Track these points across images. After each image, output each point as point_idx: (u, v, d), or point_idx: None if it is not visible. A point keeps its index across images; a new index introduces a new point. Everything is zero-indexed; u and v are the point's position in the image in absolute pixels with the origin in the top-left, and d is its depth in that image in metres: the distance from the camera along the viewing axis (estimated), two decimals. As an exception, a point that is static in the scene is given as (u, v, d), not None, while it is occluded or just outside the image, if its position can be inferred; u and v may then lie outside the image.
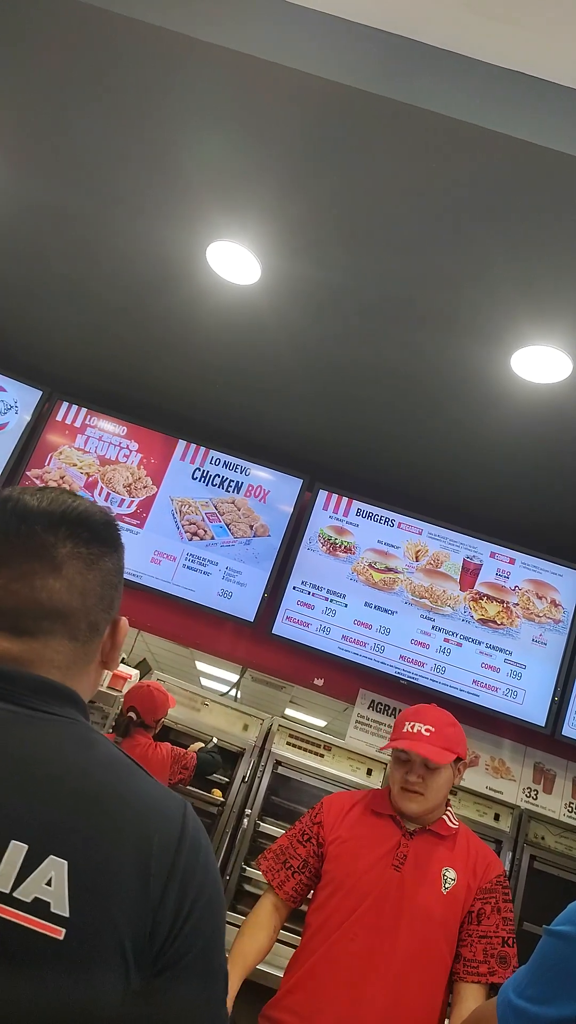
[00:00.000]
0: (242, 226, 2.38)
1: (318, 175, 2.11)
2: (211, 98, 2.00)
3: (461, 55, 1.90)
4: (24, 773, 0.68)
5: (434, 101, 1.85)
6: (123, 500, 3.44)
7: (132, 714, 3.28)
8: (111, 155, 2.31)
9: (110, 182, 2.42)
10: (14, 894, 0.62)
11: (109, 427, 3.56)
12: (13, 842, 0.63)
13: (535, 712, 3.17)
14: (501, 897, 1.73)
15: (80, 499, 0.85)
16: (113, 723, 3.48)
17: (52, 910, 0.62)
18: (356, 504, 3.46)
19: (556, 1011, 0.73)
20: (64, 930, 0.62)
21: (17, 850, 0.63)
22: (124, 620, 0.87)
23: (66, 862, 0.64)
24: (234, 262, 2.53)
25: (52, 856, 0.63)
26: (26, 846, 0.63)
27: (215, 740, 3.57)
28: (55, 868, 0.63)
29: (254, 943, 1.76)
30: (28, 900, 0.62)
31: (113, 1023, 0.65)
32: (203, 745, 3.58)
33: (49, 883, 0.63)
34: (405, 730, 1.78)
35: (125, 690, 3.58)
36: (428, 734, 1.74)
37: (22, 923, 0.62)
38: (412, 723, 1.78)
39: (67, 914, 0.62)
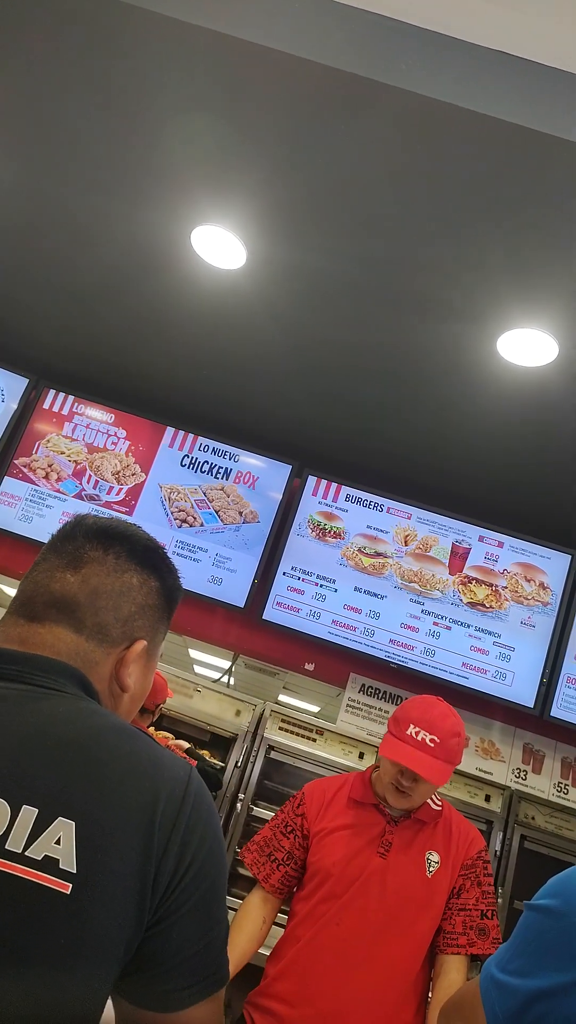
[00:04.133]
0: (227, 210, 2.36)
1: (304, 158, 2.09)
2: (195, 80, 1.98)
3: (447, 36, 1.88)
4: (36, 743, 0.72)
5: (420, 83, 1.84)
6: (111, 488, 3.43)
7: None
8: (94, 139, 2.28)
9: (93, 166, 2.39)
10: (26, 853, 0.67)
11: (97, 414, 3.54)
12: (25, 807, 0.68)
13: (524, 694, 3.19)
14: (482, 871, 1.76)
15: (137, 528, 0.93)
16: None
17: (61, 867, 0.67)
18: (345, 489, 3.46)
19: (537, 983, 0.74)
20: (71, 885, 0.66)
21: (28, 814, 0.68)
22: (142, 643, 0.88)
23: (73, 823, 0.68)
24: (219, 246, 2.51)
25: (61, 818, 0.68)
26: (36, 810, 0.68)
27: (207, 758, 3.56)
28: (63, 829, 0.68)
29: (244, 933, 1.77)
30: (39, 858, 0.66)
31: (117, 972, 0.70)
32: (190, 746, 3.58)
33: (58, 842, 0.67)
34: (409, 733, 1.69)
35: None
36: (432, 745, 1.66)
37: (33, 879, 0.66)
38: (418, 729, 1.68)
39: (74, 870, 0.67)
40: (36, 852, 0.67)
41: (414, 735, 1.67)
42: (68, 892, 0.66)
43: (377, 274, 2.44)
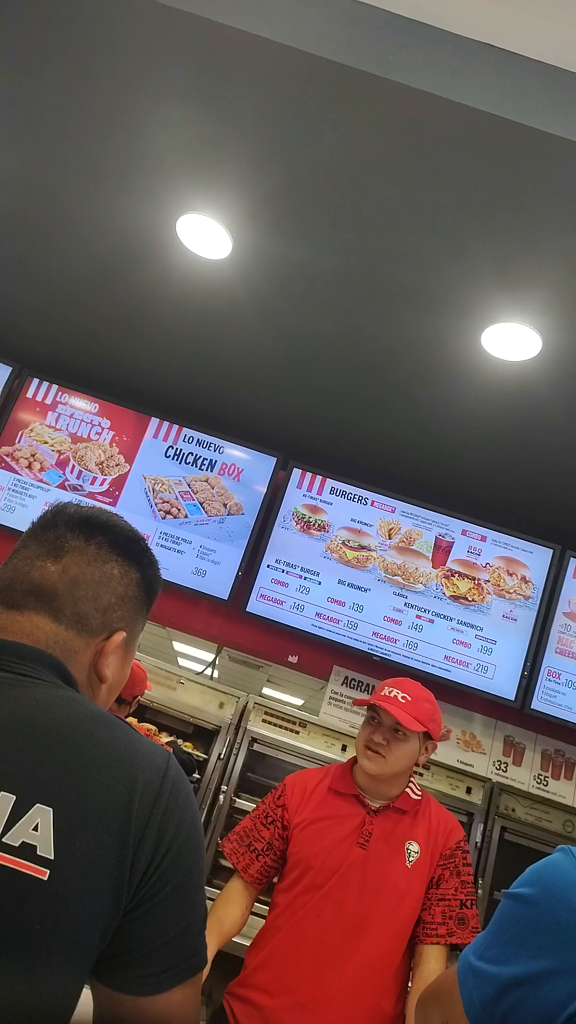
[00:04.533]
0: (213, 199, 2.35)
1: (290, 148, 2.08)
2: (180, 67, 1.96)
3: (436, 27, 1.87)
4: (13, 730, 0.72)
5: (407, 74, 1.83)
6: (95, 478, 3.41)
7: None
8: (78, 125, 2.25)
9: (76, 153, 2.36)
10: (3, 839, 0.67)
11: (81, 404, 3.51)
12: (2, 793, 0.68)
13: (505, 687, 3.22)
14: (460, 861, 1.77)
15: (119, 518, 0.93)
16: None
17: (38, 853, 0.67)
18: (330, 482, 3.46)
19: (513, 970, 0.75)
20: (48, 871, 0.67)
21: (6, 800, 0.68)
22: (121, 634, 0.88)
23: (51, 809, 0.68)
24: (205, 236, 2.50)
25: (38, 804, 0.68)
26: (14, 796, 0.68)
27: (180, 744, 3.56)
28: (41, 815, 0.68)
29: (228, 914, 1.78)
30: (16, 844, 0.67)
31: (96, 956, 0.70)
32: (174, 739, 3.58)
33: (36, 828, 0.67)
34: (383, 693, 1.79)
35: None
36: (403, 701, 1.76)
37: (10, 865, 0.66)
38: (391, 689, 1.80)
39: (52, 856, 0.67)
40: (13, 838, 0.67)
41: (387, 693, 1.79)
42: (45, 878, 0.67)
43: (362, 266, 2.44)
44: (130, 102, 2.11)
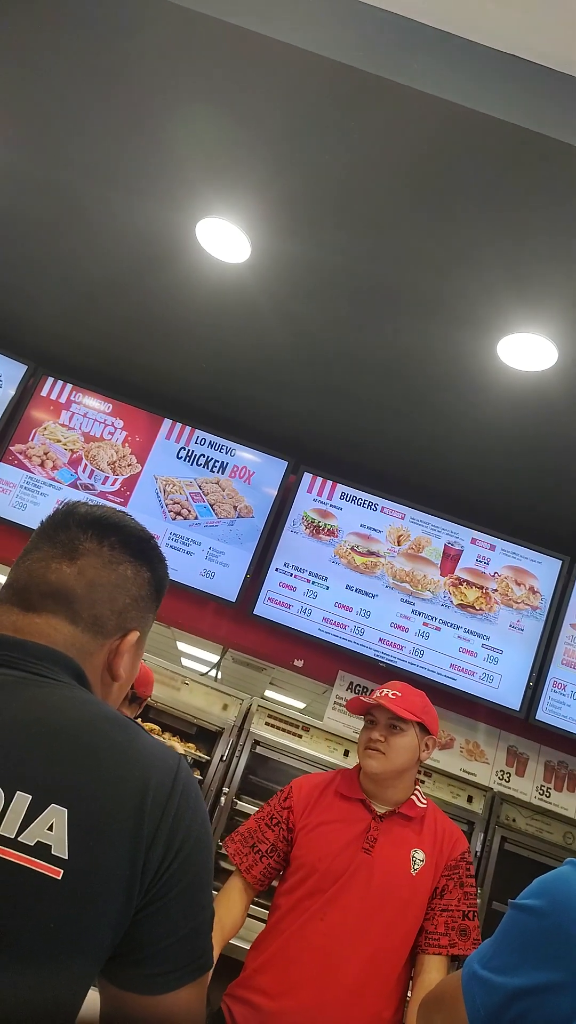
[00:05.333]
0: (232, 203, 2.36)
1: (309, 153, 2.09)
2: (201, 71, 1.97)
3: (455, 35, 1.88)
4: (30, 731, 0.73)
5: (427, 81, 1.84)
6: (107, 478, 3.43)
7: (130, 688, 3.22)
8: (98, 128, 2.27)
9: (98, 156, 2.38)
10: (19, 839, 0.68)
11: (94, 404, 3.53)
12: (19, 793, 0.69)
13: (510, 697, 3.21)
14: (464, 873, 1.77)
15: (129, 517, 0.93)
16: None
17: (53, 853, 0.68)
18: (340, 488, 3.47)
19: (519, 981, 0.75)
20: (62, 871, 0.67)
21: (22, 800, 0.69)
22: (135, 633, 0.89)
23: (66, 810, 0.69)
24: (224, 240, 2.51)
25: (53, 805, 0.69)
26: (30, 796, 0.69)
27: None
28: (56, 815, 0.69)
29: (229, 914, 1.78)
30: (32, 844, 0.67)
31: (105, 956, 0.71)
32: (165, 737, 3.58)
33: (51, 828, 0.68)
34: (374, 696, 1.83)
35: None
36: (394, 697, 1.80)
37: (25, 864, 0.67)
38: (380, 690, 1.84)
39: (66, 856, 0.68)
40: (29, 838, 0.67)
41: (378, 695, 1.83)
42: (59, 878, 0.67)
43: (380, 273, 2.45)
44: (151, 106, 2.12)
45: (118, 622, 0.88)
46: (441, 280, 2.38)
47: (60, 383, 3.55)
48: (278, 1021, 1.64)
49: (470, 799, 3.19)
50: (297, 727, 3.43)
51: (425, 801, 1.85)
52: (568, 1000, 0.71)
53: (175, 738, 3.56)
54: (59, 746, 0.73)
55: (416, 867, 1.74)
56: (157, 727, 3.54)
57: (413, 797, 1.83)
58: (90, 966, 0.71)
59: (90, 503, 0.93)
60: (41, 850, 0.67)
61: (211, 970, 0.78)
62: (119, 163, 2.38)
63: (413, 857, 1.75)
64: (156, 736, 3.38)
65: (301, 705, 6.64)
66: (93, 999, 0.75)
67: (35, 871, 0.67)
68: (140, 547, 0.91)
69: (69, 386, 3.54)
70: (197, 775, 3.63)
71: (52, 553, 0.87)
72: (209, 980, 0.79)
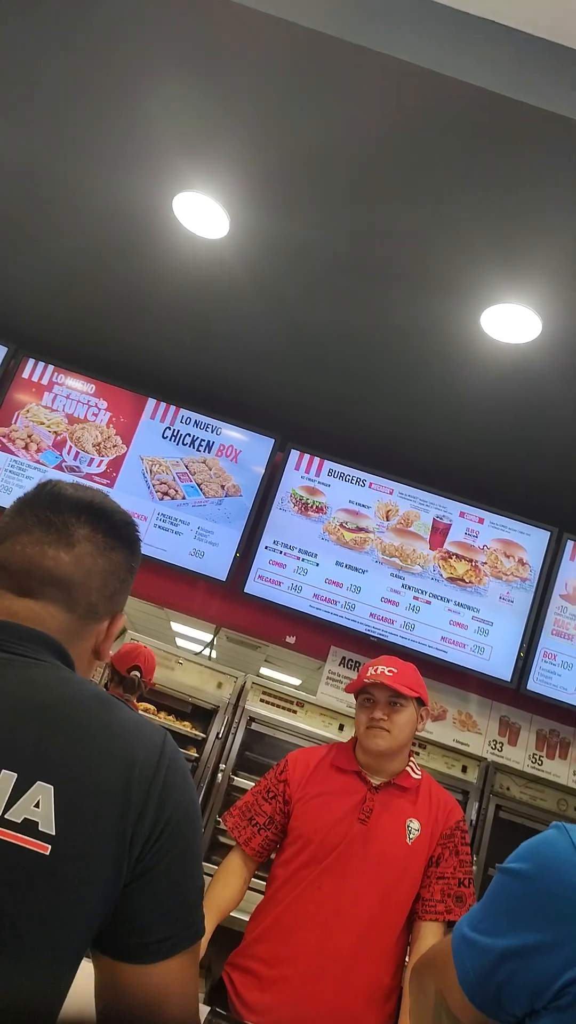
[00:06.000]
0: (210, 176, 2.32)
1: (288, 126, 2.06)
2: (177, 41, 1.93)
3: (435, 2, 1.85)
4: (15, 710, 0.74)
5: (406, 49, 1.81)
6: (92, 459, 3.41)
7: (136, 673, 3.20)
8: (73, 101, 2.22)
9: (72, 129, 2.33)
10: (6, 816, 0.68)
11: (77, 385, 3.50)
12: (4, 771, 0.70)
13: (501, 667, 3.24)
14: (459, 841, 1.80)
15: (108, 498, 0.94)
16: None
17: (40, 829, 0.68)
18: (328, 464, 3.46)
19: (507, 942, 0.77)
20: (50, 847, 0.68)
21: (7, 778, 0.69)
22: (122, 617, 0.92)
23: (52, 787, 0.70)
24: (202, 214, 2.47)
25: (40, 782, 0.70)
26: (15, 774, 0.70)
27: None
28: (42, 792, 0.70)
29: (227, 889, 1.80)
30: (19, 821, 0.68)
31: (97, 928, 0.72)
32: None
33: (37, 805, 0.69)
34: (369, 673, 1.83)
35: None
36: (391, 674, 1.81)
37: (13, 841, 0.68)
38: (376, 667, 1.84)
39: (53, 832, 0.69)
40: (16, 815, 0.68)
41: (375, 672, 1.83)
42: (47, 853, 0.68)
43: (361, 246, 2.42)
44: (125, 77, 2.07)
45: (108, 607, 0.89)
46: (424, 252, 2.35)
47: (42, 365, 3.51)
48: (277, 988, 1.67)
49: (464, 769, 3.23)
50: (291, 703, 3.45)
51: (419, 772, 1.88)
52: (554, 959, 0.72)
53: (170, 717, 3.58)
54: (45, 724, 0.74)
55: (412, 836, 1.76)
56: (152, 707, 3.56)
57: (408, 768, 1.85)
58: (81, 939, 0.71)
59: (73, 483, 0.93)
60: (28, 827, 0.68)
61: (202, 938, 0.79)
62: (94, 135, 2.33)
63: (408, 827, 1.77)
64: (152, 717, 3.40)
65: (296, 682, 6.68)
66: (86, 1000, 0.76)
67: (23, 847, 0.68)
68: (127, 532, 0.93)
69: (51, 367, 3.51)
70: (193, 752, 3.65)
71: (47, 538, 0.86)
72: (201, 947, 0.80)
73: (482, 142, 1.92)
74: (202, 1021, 1.34)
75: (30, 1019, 0.68)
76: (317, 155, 2.13)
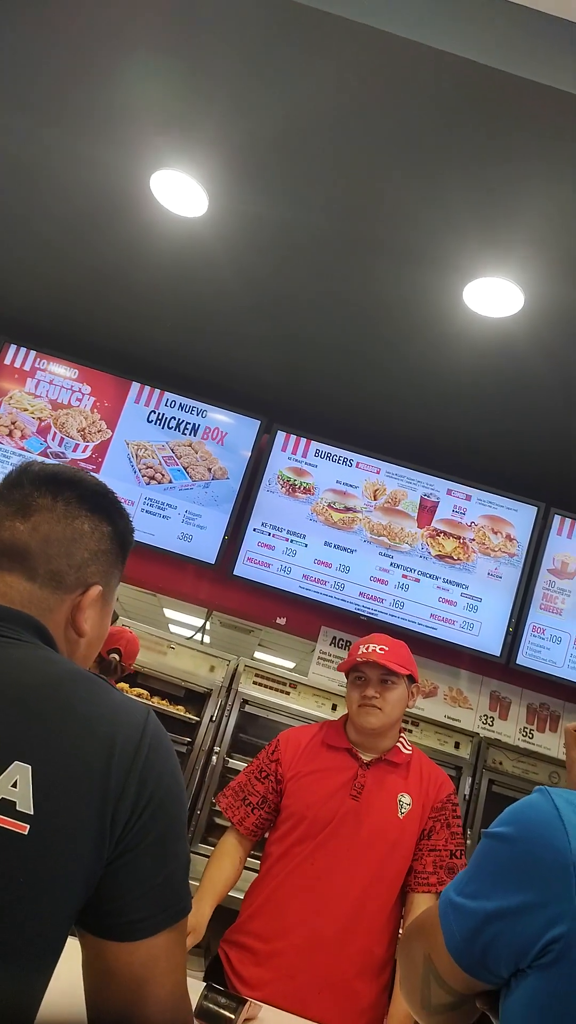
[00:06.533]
0: (187, 154, 2.29)
1: (265, 99, 2.03)
2: (152, 13, 1.89)
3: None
4: None
5: (386, 19, 1.78)
6: (77, 445, 3.38)
7: (115, 655, 3.23)
8: (46, 77, 2.18)
9: (46, 106, 2.29)
10: None
11: (60, 371, 3.47)
12: None
13: (491, 643, 3.26)
14: (451, 814, 1.82)
15: (86, 473, 0.92)
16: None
17: (18, 808, 0.68)
18: (314, 445, 3.45)
19: (491, 904, 0.78)
20: (28, 826, 0.68)
21: None
22: (97, 588, 0.89)
23: (29, 766, 0.69)
24: (180, 192, 2.44)
25: (17, 762, 0.69)
26: None
27: None
28: (20, 772, 0.69)
29: (222, 872, 1.81)
30: None
31: (78, 908, 0.72)
32: None
33: (15, 785, 0.68)
34: (361, 652, 1.84)
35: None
36: (383, 652, 1.82)
37: None
38: (367, 645, 1.85)
39: (31, 812, 0.68)
40: None
41: (366, 650, 1.83)
42: (26, 833, 0.68)
43: (341, 221, 2.40)
44: (100, 49, 2.03)
45: (77, 576, 0.87)
46: (405, 225, 2.33)
47: (24, 350, 3.47)
48: (273, 962, 1.69)
49: (457, 745, 3.26)
50: (284, 684, 3.46)
51: (410, 748, 1.89)
52: (537, 919, 0.73)
53: (163, 701, 3.59)
54: (22, 704, 0.73)
55: (403, 811, 1.78)
56: (146, 692, 3.56)
57: (398, 744, 1.87)
58: (63, 916, 0.71)
59: (45, 462, 0.92)
60: (6, 807, 0.68)
61: (188, 914, 0.78)
62: (65, 111, 2.28)
63: (400, 801, 1.79)
64: (145, 701, 3.40)
65: (290, 665, 6.71)
66: (78, 1004, 0.76)
67: (1, 827, 0.67)
68: (97, 501, 0.91)
69: (33, 353, 3.47)
70: (186, 738, 3.67)
71: (5, 512, 0.86)
72: (201, 930, 0.80)
73: (464, 114, 1.90)
74: (198, 997, 1.35)
75: (6, 1008, 0.68)
76: (296, 130, 2.10)
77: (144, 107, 2.17)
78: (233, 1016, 1.37)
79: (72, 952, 0.75)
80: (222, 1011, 1.37)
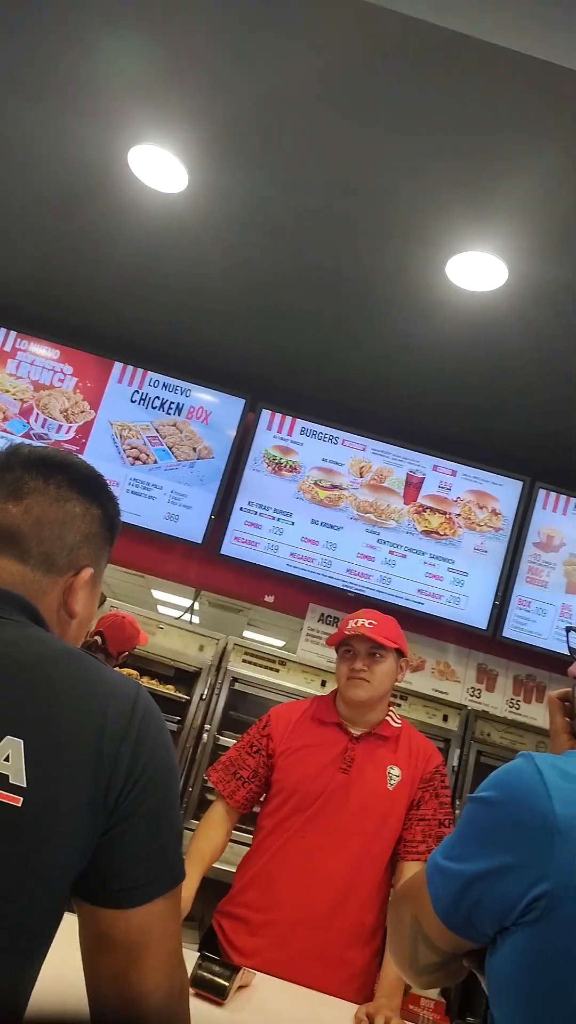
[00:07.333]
0: (165, 128, 2.25)
1: (244, 71, 2.00)
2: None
3: None
4: None
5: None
6: (60, 426, 3.36)
7: (98, 638, 3.26)
8: (20, 49, 2.13)
9: (19, 78, 2.24)
10: None
11: (41, 351, 3.43)
12: None
13: (477, 616, 3.30)
14: (439, 784, 1.85)
15: (76, 456, 0.93)
16: None
17: (11, 781, 0.69)
18: (300, 423, 3.45)
19: (475, 866, 0.80)
20: (21, 799, 0.69)
21: None
22: (88, 570, 0.90)
23: (22, 740, 0.70)
24: (159, 168, 2.41)
25: (8, 736, 0.70)
26: None
27: None
28: (11, 747, 0.70)
29: (209, 843, 1.83)
30: None
31: (72, 880, 0.73)
32: None
33: (7, 759, 0.70)
34: (350, 626, 1.86)
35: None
36: (371, 626, 1.84)
37: None
38: (356, 619, 1.87)
39: (24, 784, 0.69)
40: None
41: (355, 625, 1.86)
42: (19, 805, 0.69)
43: (323, 195, 2.37)
44: (76, 21, 1.99)
45: (69, 559, 0.88)
46: (388, 199, 2.32)
47: (3, 331, 3.43)
48: (266, 932, 1.72)
49: (445, 718, 3.30)
50: (273, 662, 3.48)
51: (399, 721, 1.92)
52: (521, 879, 0.75)
53: (153, 681, 3.60)
54: (14, 681, 0.74)
55: (392, 783, 1.81)
56: (136, 671, 3.58)
57: (387, 718, 1.89)
58: (59, 887, 0.72)
59: (33, 444, 0.92)
60: None
61: (182, 882, 0.80)
62: (41, 84, 2.23)
63: (389, 773, 1.82)
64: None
65: (280, 643, 6.74)
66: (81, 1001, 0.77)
67: None
68: (87, 484, 0.92)
69: (13, 334, 3.43)
70: (177, 717, 3.69)
71: None
72: (188, 899, 0.81)
73: (447, 84, 1.88)
74: (193, 966, 1.38)
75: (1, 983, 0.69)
76: (275, 104, 2.07)
77: (121, 80, 2.13)
78: (227, 983, 1.40)
79: (68, 935, 0.76)
80: (216, 979, 1.40)
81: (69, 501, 0.89)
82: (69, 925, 0.76)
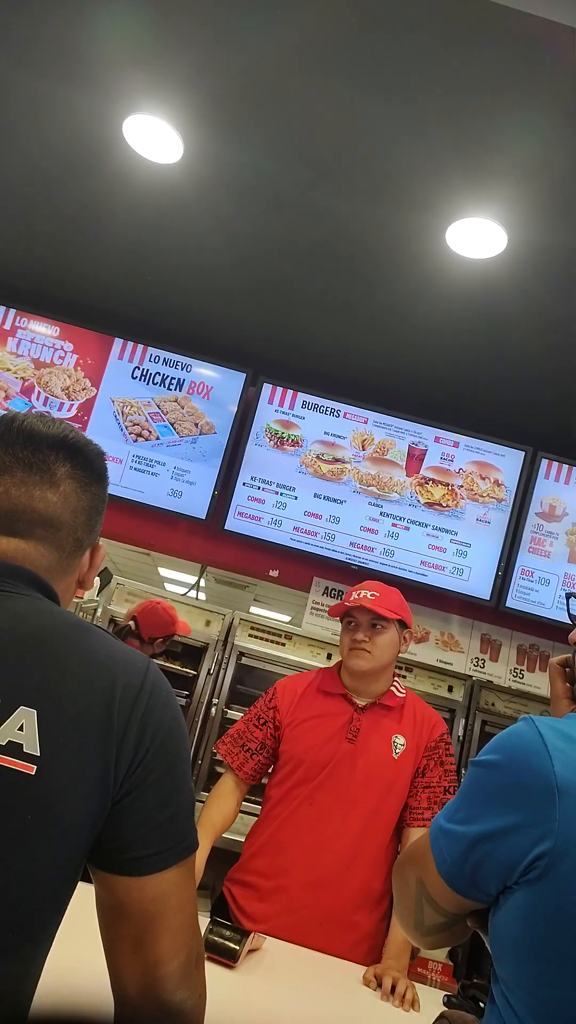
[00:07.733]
0: (161, 98, 2.21)
1: (240, 38, 1.95)
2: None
3: None
4: None
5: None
6: (62, 404, 3.35)
7: (132, 623, 3.28)
8: (11, 15, 2.09)
9: (11, 46, 2.20)
10: None
11: (41, 329, 3.41)
12: None
13: (480, 587, 3.31)
14: (444, 752, 1.88)
15: (76, 430, 0.95)
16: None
17: (25, 750, 0.71)
18: (301, 396, 3.43)
19: (479, 828, 0.81)
20: (35, 767, 0.71)
21: None
22: (102, 547, 0.96)
23: (35, 711, 0.72)
24: (154, 138, 2.37)
25: (22, 707, 0.72)
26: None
27: None
28: (25, 716, 0.72)
29: (220, 812, 1.87)
30: (3, 743, 0.71)
31: (85, 848, 0.75)
32: None
33: (21, 728, 0.71)
34: (352, 597, 1.88)
35: (85, 597, 3.60)
36: (373, 598, 1.86)
37: None
38: (358, 592, 1.89)
39: (37, 753, 0.71)
40: (1, 738, 0.71)
41: (357, 596, 1.88)
42: (33, 773, 0.71)
43: (321, 162, 2.34)
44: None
45: (89, 540, 0.92)
46: (387, 167, 2.28)
47: (3, 309, 3.41)
48: (275, 897, 1.75)
49: (450, 688, 3.33)
50: (279, 636, 3.51)
51: (404, 691, 1.94)
52: (523, 839, 0.76)
53: (161, 656, 3.63)
54: (27, 652, 0.76)
55: (398, 751, 1.83)
56: (142, 648, 3.60)
57: (392, 688, 1.91)
58: (72, 855, 0.74)
59: (38, 415, 0.93)
60: (13, 748, 0.70)
61: (196, 850, 0.81)
62: (34, 52, 2.19)
63: (394, 742, 1.84)
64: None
65: (286, 618, 6.78)
66: (107, 1003, 0.78)
67: (9, 768, 0.70)
68: (100, 465, 0.95)
69: (13, 311, 3.41)
70: (185, 692, 3.73)
71: (31, 479, 0.87)
72: (199, 867, 0.82)
73: (445, 46, 1.83)
74: (204, 931, 1.41)
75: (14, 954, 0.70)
76: (270, 70, 2.03)
77: (115, 48, 2.09)
78: (238, 947, 1.43)
79: (70, 936, 0.78)
80: (227, 943, 1.43)
81: (92, 485, 0.92)
82: (71, 925, 0.78)
